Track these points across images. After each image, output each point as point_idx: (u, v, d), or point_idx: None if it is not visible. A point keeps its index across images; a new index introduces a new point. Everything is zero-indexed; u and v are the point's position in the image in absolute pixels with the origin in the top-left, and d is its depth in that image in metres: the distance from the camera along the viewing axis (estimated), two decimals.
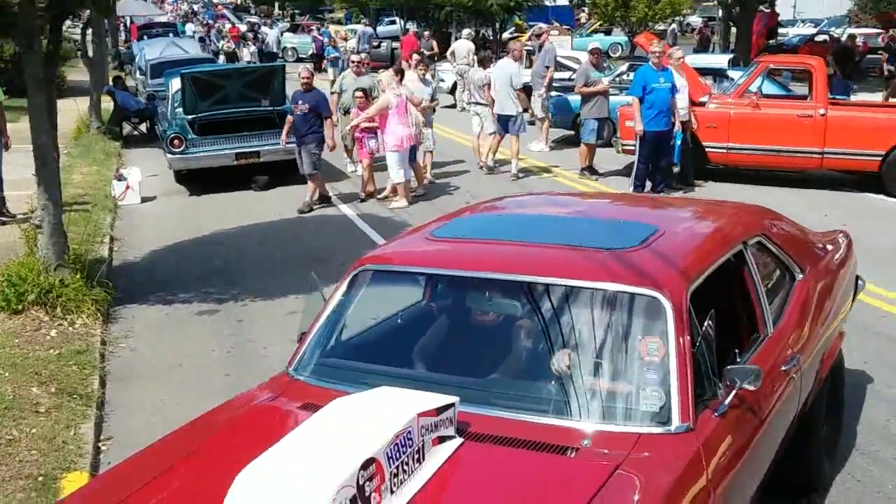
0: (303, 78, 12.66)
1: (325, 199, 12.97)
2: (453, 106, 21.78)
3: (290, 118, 12.82)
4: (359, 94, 13.05)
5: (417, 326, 4.50)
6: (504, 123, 14.07)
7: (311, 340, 4.22)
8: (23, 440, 5.64)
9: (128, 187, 13.54)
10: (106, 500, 3.31)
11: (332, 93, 14.65)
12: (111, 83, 20.17)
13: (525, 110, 14.59)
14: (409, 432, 3.10)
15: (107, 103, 19.83)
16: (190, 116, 14.23)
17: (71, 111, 18.31)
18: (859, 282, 5.81)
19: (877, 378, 6.54)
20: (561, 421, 3.49)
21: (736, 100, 13.14)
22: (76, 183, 13.87)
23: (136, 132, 20.05)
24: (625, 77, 17.33)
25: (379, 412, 3.22)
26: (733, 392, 3.55)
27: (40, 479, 5.20)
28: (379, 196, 13.07)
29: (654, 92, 12.18)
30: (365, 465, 2.87)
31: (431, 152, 14.08)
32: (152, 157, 16.28)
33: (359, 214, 12.31)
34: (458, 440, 3.33)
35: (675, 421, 3.39)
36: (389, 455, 2.98)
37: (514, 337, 4.00)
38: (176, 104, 14.79)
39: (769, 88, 13.85)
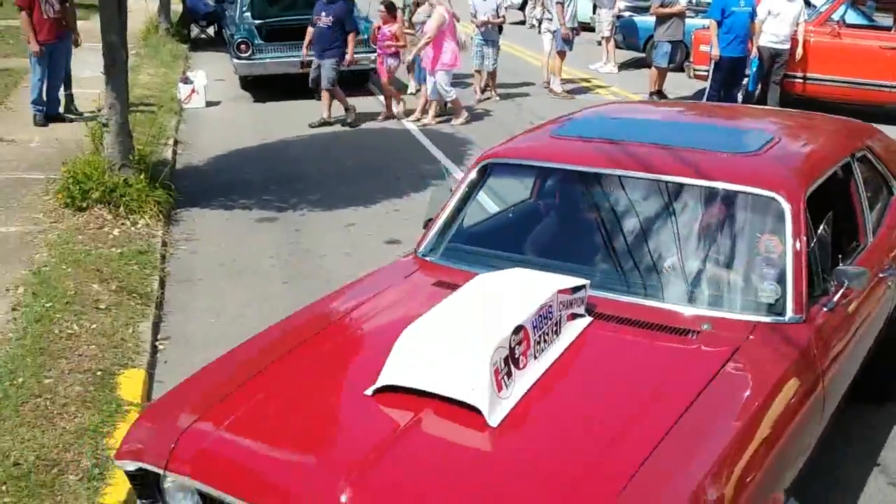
0: None
1: (347, 112, 12.51)
2: (522, 23, 21.34)
3: (310, 29, 12.36)
4: (381, 8, 12.69)
5: (538, 218, 4.81)
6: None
7: (439, 226, 4.52)
8: (83, 335, 5.76)
9: (193, 91, 13.58)
10: (265, 356, 3.59)
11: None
12: None
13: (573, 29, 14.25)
14: (550, 306, 3.42)
15: (176, 5, 19.86)
16: (258, 22, 14.16)
17: (140, 11, 18.32)
18: None
19: None
20: (682, 307, 3.77)
21: (816, 28, 12.62)
22: (143, 84, 13.95)
23: (203, 35, 20.08)
24: (702, 0, 16.78)
25: (522, 287, 3.58)
26: (842, 290, 3.85)
27: (98, 373, 5.32)
28: (409, 118, 12.79)
29: (732, 15, 11.80)
30: (516, 331, 3.20)
31: (492, 71, 13.83)
32: (219, 62, 16.29)
33: (421, 129, 12.21)
34: (588, 318, 3.64)
35: (789, 312, 3.67)
36: (534, 324, 3.30)
37: (638, 231, 4.20)
38: (244, 9, 14.71)
39: (852, 17, 13.28)
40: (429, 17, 12.32)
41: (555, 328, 3.44)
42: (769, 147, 4.34)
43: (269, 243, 8.03)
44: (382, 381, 3.19)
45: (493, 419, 2.98)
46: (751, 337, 3.54)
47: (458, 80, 14.96)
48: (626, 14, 17.01)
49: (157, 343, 6.09)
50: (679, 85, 14.01)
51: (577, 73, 15.85)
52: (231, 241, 8.08)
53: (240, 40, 13.84)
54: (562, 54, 14.17)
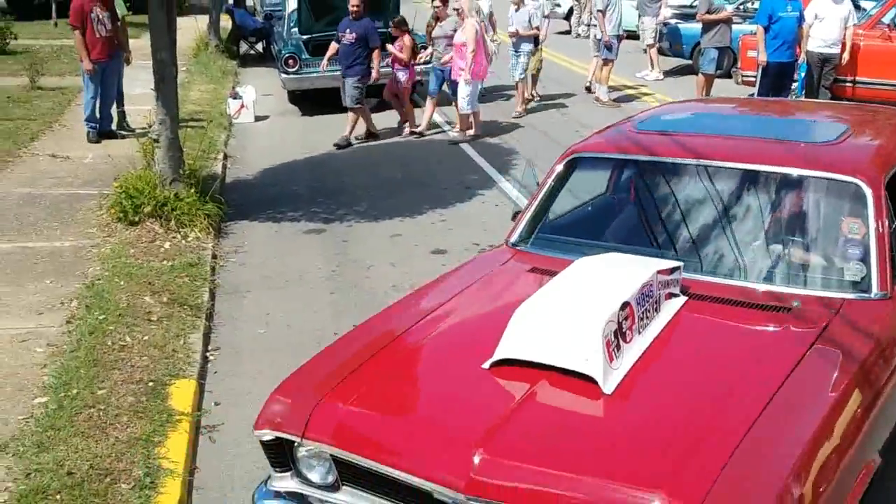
0: (352, 6, 12.02)
1: (371, 136, 12.55)
2: (568, 32, 21.31)
3: (333, 45, 12.41)
4: (437, 3, 12.76)
5: (624, 208, 5.02)
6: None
7: (528, 217, 4.82)
8: (135, 346, 5.87)
9: (242, 105, 13.78)
10: (381, 338, 3.88)
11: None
12: (230, 2, 20.43)
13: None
14: (651, 285, 3.67)
15: (225, 22, 20.14)
16: (305, 37, 14.31)
17: (190, 29, 18.65)
18: None
19: None
20: (772, 286, 4.02)
21: (867, 31, 12.43)
22: (193, 100, 14.18)
23: (252, 51, 20.35)
24: (749, 5, 16.62)
25: (623, 268, 3.87)
26: None
27: (150, 384, 5.42)
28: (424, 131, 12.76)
29: (780, 21, 11.65)
30: (622, 307, 3.45)
31: (522, 79, 13.60)
32: (267, 77, 16.51)
33: (468, 141, 12.23)
34: (684, 298, 3.90)
35: (875, 289, 3.92)
36: (638, 301, 3.55)
37: (725, 217, 4.43)
38: (292, 24, 14.88)
39: None
40: (454, 30, 12.26)
41: (655, 306, 3.70)
42: (846, 137, 4.63)
43: (316, 254, 8.11)
44: (500, 354, 3.47)
45: (608, 387, 3.24)
46: (840, 313, 3.76)
47: (500, 93, 15.01)
48: (672, 21, 16.89)
49: (207, 353, 6.18)
50: (726, 91, 13.88)
51: (623, 80, 15.78)
52: (279, 253, 8.18)
53: (287, 55, 14.02)
54: (607, 62, 14.12)
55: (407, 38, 12.56)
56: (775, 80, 11.90)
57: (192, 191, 8.45)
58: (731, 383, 3.30)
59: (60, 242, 7.89)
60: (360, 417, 3.37)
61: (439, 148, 12.03)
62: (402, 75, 12.64)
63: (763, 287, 4.02)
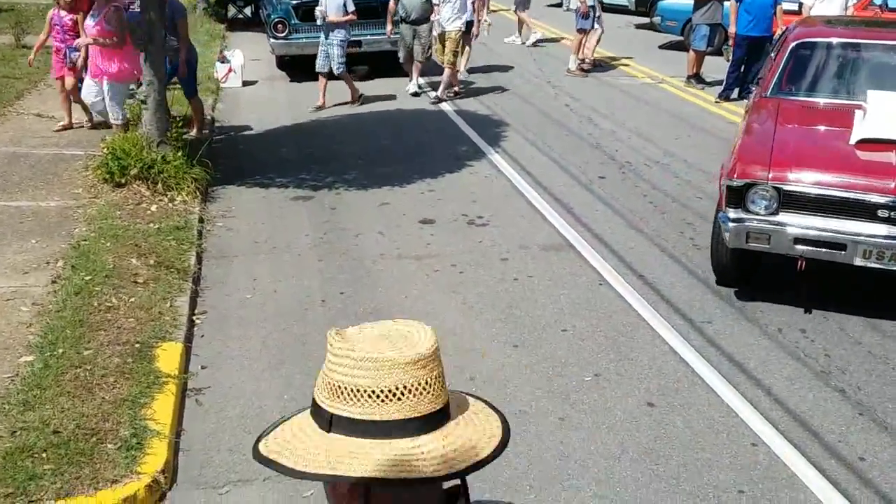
0: None
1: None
2: (559, 5, 21.18)
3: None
4: None
5: (840, 71, 7.46)
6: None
7: (774, 82, 7.35)
8: (121, 308, 5.84)
9: (230, 70, 13.64)
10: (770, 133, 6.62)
11: None
12: None
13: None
14: None
15: None
16: (294, 2, 14.16)
17: None
18: None
19: None
20: None
21: (858, 11, 12.45)
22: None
23: (240, 15, 20.13)
24: None
25: None
26: None
27: (136, 346, 5.40)
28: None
29: None
30: None
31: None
32: (255, 41, 16.36)
33: (456, 111, 12.19)
34: None
35: None
36: None
37: None
38: None
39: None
40: None
41: None
42: None
43: (304, 221, 8.08)
44: (865, 133, 6.17)
45: None
46: None
47: (496, 65, 14.94)
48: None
49: (193, 317, 6.16)
50: (718, 69, 13.86)
51: (609, 53, 15.77)
52: (267, 219, 8.14)
53: (276, 20, 13.88)
54: (582, 31, 14.16)
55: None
56: (748, 52, 12.14)
57: (179, 154, 8.38)
58: None
59: (46, 202, 7.82)
60: (802, 165, 6.08)
61: (429, 117, 11.98)
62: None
63: None
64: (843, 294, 6.48)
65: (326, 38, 12.05)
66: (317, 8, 12.05)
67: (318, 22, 11.99)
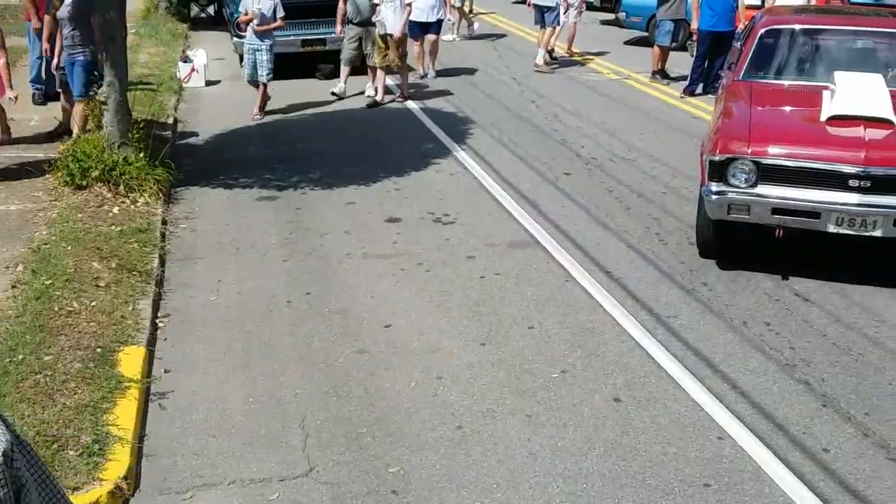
0: None
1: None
2: (523, 1, 21.18)
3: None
4: None
5: (807, 55, 7.89)
6: (541, 14, 14.41)
7: (745, 66, 7.76)
8: (83, 312, 5.75)
9: (193, 69, 13.52)
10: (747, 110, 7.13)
11: None
12: None
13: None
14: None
15: None
16: None
17: None
18: None
19: None
20: None
21: (821, 2, 12.55)
22: (142, 63, 13.89)
23: (203, 14, 19.96)
24: None
25: (864, 74, 7.04)
26: None
27: (98, 350, 5.32)
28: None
29: None
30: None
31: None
32: (218, 41, 16.21)
33: (422, 108, 12.15)
34: None
35: None
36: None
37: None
38: None
39: None
40: None
41: None
42: None
43: (269, 222, 8.01)
44: (835, 111, 6.61)
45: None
46: None
47: (463, 66, 14.90)
48: None
49: (156, 320, 6.08)
50: (681, 63, 13.94)
51: (576, 49, 15.80)
52: (231, 220, 8.07)
53: (239, 18, 13.73)
54: (553, 27, 14.42)
55: None
56: (711, 47, 12.34)
57: (142, 155, 8.28)
58: None
59: (5, 206, 7.70)
60: (779, 140, 6.49)
61: (395, 116, 11.93)
62: None
63: None
64: (808, 286, 6.54)
65: (255, 44, 11.55)
66: (242, 14, 11.69)
67: (248, 31, 11.56)
